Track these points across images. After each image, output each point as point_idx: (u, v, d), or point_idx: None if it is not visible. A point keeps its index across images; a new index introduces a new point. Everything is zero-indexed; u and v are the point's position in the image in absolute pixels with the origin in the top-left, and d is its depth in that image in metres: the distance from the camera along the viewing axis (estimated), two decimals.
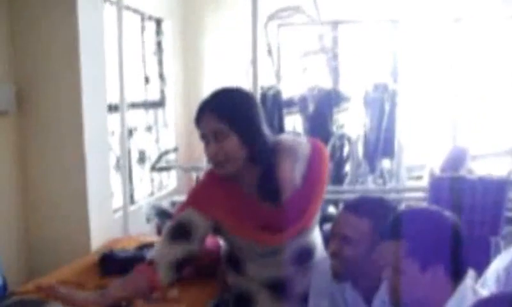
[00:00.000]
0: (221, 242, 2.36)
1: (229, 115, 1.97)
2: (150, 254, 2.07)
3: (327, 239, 2.09)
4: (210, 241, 2.38)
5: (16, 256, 2.83)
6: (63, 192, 2.87)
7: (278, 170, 2.02)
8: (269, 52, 5.27)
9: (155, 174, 5.11)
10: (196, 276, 2.33)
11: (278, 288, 2.19)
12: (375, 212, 1.95)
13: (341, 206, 2.13)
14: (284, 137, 2.21)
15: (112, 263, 2.48)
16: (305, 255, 2.19)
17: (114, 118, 3.54)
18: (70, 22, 2.80)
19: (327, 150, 2.23)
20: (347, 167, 4.93)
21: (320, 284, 2.10)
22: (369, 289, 1.93)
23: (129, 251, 2.59)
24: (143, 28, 5.01)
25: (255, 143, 2.01)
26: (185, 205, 2.11)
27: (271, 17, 5.21)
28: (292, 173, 2.04)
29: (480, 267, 2.18)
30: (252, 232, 2.09)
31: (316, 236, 2.27)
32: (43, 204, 2.89)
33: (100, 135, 3.04)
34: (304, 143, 2.15)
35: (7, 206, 2.79)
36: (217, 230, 2.16)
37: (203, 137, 2.03)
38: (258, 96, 3.16)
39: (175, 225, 2.07)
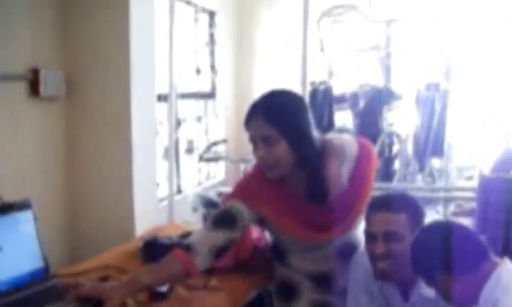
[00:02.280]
0: (268, 234, 2.33)
1: (279, 121, 1.93)
2: (187, 240, 1.98)
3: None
4: (258, 237, 2.35)
5: (63, 240, 2.80)
6: (108, 179, 2.82)
7: (325, 171, 1.99)
8: (322, 48, 5.17)
9: (204, 165, 5.06)
10: (238, 269, 2.25)
11: (321, 280, 2.15)
12: (407, 205, 1.94)
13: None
14: (332, 137, 2.14)
15: (155, 250, 2.41)
16: (349, 251, 2.15)
17: (164, 107, 3.48)
18: (121, 10, 2.75)
19: (375, 150, 2.14)
20: (397, 165, 4.80)
21: (359, 279, 2.06)
22: (406, 284, 1.94)
23: (173, 238, 2.52)
24: (196, 20, 4.96)
25: (304, 149, 1.96)
26: (231, 196, 2.09)
27: (324, 14, 5.11)
28: (338, 174, 2.01)
29: None
30: (296, 229, 2.06)
31: (361, 233, 2.18)
32: (90, 190, 2.85)
33: (148, 124, 2.98)
34: (352, 143, 2.09)
35: (54, 191, 2.77)
36: (261, 222, 2.13)
37: (252, 139, 1.98)
38: (307, 92, 3.05)
39: (219, 213, 2.05)
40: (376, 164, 2.16)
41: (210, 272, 2.10)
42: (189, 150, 4.81)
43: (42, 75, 2.60)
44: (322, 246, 2.10)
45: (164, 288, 1.98)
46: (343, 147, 2.05)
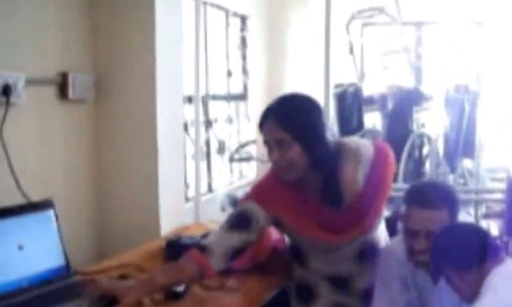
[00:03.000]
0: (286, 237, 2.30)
1: (292, 125, 1.91)
2: (203, 241, 1.97)
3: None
4: (275, 238, 2.33)
5: (89, 238, 2.83)
6: (134, 178, 2.85)
7: (340, 174, 1.98)
8: (351, 50, 5.12)
9: (236, 165, 5.06)
10: (255, 270, 2.24)
11: (339, 282, 2.13)
12: (448, 200, 1.94)
13: (406, 207, 1.99)
14: (347, 140, 2.13)
15: (177, 249, 2.41)
16: (367, 253, 2.11)
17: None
18: (148, 15, 2.78)
19: (392, 152, 2.11)
20: (427, 166, 4.71)
21: (391, 269, 2.04)
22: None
23: (195, 237, 2.52)
24: (227, 24, 4.97)
25: (318, 151, 1.94)
26: (247, 198, 2.08)
27: (353, 16, 5.05)
28: (354, 178, 1.99)
29: None
30: (312, 231, 2.04)
31: (380, 235, 2.19)
32: (116, 190, 2.88)
33: (174, 125, 3.01)
34: (367, 146, 2.06)
35: (82, 191, 2.80)
36: (277, 224, 2.12)
37: (266, 142, 1.98)
38: (330, 95, 3.02)
39: (235, 215, 2.04)
40: (393, 166, 2.12)
41: (227, 272, 2.09)
42: (220, 150, 4.81)
43: (71, 78, 2.63)
44: (339, 248, 2.08)
45: (180, 288, 1.98)
46: (358, 150, 2.03)
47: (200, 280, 1.97)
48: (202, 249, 1.93)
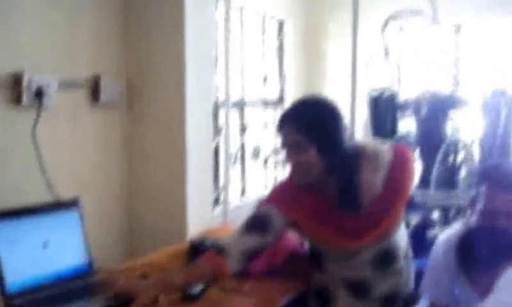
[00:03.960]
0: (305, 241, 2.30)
1: (308, 128, 1.92)
2: (221, 242, 1.98)
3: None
4: (294, 242, 2.33)
5: (117, 238, 2.88)
6: (163, 182, 2.89)
7: (358, 179, 1.97)
8: (386, 54, 5.04)
9: (270, 170, 5.06)
10: (273, 273, 2.23)
11: (357, 288, 2.10)
12: None
13: (484, 188, 2.01)
14: (366, 144, 2.12)
15: (200, 251, 2.43)
16: (386, 259, 2.08)
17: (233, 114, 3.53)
18: (179, 21, 2.82)
19: (412, 157, 2.07)
20: (463, 173, 4.60)
21: (442, 261, 2.03)
22: None
23: (220, 240, 2.53)
24: (264, 29, 4.97)
25: (334, 155, 1.93)
26: (265, 202, 2.07)
27: (389, 19, 4.97)
28: (372, 182, 1.98)
29: None
30: (330, 235, 2.02)
31: (399, 240, 2.13)
32: (144, 192, 2.92)
33: (204, 130, 3.04)
34: (386, 150, 2.04)
35: (112, 192, 2.86)
36: (295, 228, 2.12)
37: (283, 146, 1.98)
38: (356, 98, 3.00)
39: (253, 217, 2.04)
40: (413, 170, 2.10)
41: (245, 275, 2.09)
42: (255, 155, 4.82)
43: (103, 82, 2.69)
44: (358, 253, 2.05)
45: (197, 289, 1.99)
46: (377, 154, 2.01)
47: (216, 280, 1.99)
48: (219, 250, 1.94)
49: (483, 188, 2.02)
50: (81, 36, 2.63)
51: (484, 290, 1.68)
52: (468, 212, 2.16)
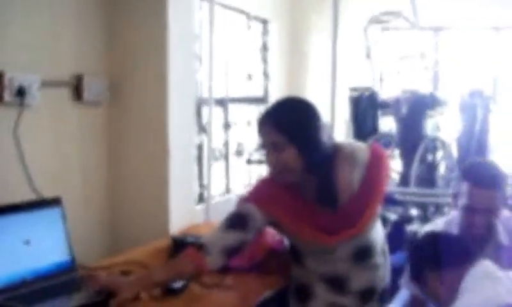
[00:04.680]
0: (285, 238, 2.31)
1: (287, 128, 1.93)
2: (201, 239, 2.00)
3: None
4: (274, 239, 2.35)
5: (100, 236, 2.88)
6: (145, 179, 2.89)
7: (336, 177, 1.99)
8: (368, 54, 5.09)
9: (254, 167, 5.07)
10: (253, 269, 2.26)
11: (335, 282, 2.12)
12: (503, 181, 2.12)
13: (465, 184, 2.13)
14: (344, 143, 2.14)
15: (182, 247, 2.43)
16: (363, 254, 2.11)
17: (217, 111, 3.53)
18: (161, 19, 2.81)
19: (388, 156, 2.10)
20: (440, 170, 4.66)
21: None
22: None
23: (201, 236, 2.54)
24: (248, 28, 4.98)
25: (313, 154, 1.95)
26: (245, 200, 2.08)
27: (371, 21, 5.02)
28: (349, 180, 2.00)
29: None
30: (308, 232, 2.04)
31: (375, 236, 2.16)
32: (127, 189, 2.92)
33: (187, 127, 3.04)
34: (363, 149, 2.07)
35: (94, 189, 2.85)
36: (275, 226, 2.13)
37: (263, 145, 2.00)
38: (336, 98, 3.03)
39: (232, 215, 2.05)
40: (389, 168, 2.13)
41: (225, 271, 2.11)
42: (239, 152, 4.83)
43: (85, 81, 2.68)
44: (336, 249, 2.07)
45: (178, 285, 2.01)
46: (354, 153, 2.04)
47: (196, 277, 2.00)
48: (200, 246, 1.95)
49: (465, 185, 2.08)
50: (64, 34, 2.62)
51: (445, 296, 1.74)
52: (447, 208, 2.24)
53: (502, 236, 2.14)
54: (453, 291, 1.69)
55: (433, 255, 1.77)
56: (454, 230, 2.17)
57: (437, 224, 2.34)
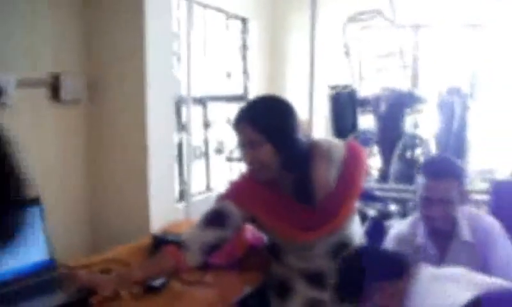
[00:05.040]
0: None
1: (263, 125, 1.95)
2: (181, 237, 2.01)
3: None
4: (254, 236, 2.36)
5: (80, 235, 2.87)
6: (125, 178, 2.89)
7: (312, 174, 2.01)
8: (347, 52, 5.12)
9: (235, 165, 5.08)
10: (233, 266, 2.27)
11: (314, 278, 2.15)
12: (458, 172, 2.19)
13: (422, 178, 2.21)
14: (320, 140, 2.16)
15: (162, 246, 2.44)
16: (341, 250, 2.10)
17: (197, 109, 3.52)
18: (138, 18, 2.82)
19: (364, 153, 2.14)
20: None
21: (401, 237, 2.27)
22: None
23: (181, 234, 2.55)
24: (227, 27, 5.00)
25: (289, 151, 1.97)
26: (224, 197, 2.10)
27: (350, 19, 5.05)
28: (326, 176, 2.02)
29: None
30: (286, 229, 2.06)
31: (353, 232, 2.19)
32: (107, 189, 2.92)
33: (166, 126, 3.04)
34: (339, 146, 2.09)
35: (73, 188, 2.84)
36: (254, 222, 2.16)
37: (240, 143, 2.02)
38: (314, 95, 3.05)
39: (210, 212, 2.07)
40: (365, 165, 2.15)
41: (205, 268, 2.12)
42: (219, 150, 4.84)
43: (63, 80, 2.68)
44: (314, 245, 2.09)
45: (158, 282, 2.02)
46: (330, 150, 2.06)
47: (176, 274, 2.01)
48: (179, 244, 1.96)
49: (421, 179, 2.15)
50: (41, 33, 2.61)
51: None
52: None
53: (466, 234, 2.19)
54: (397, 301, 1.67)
55: (368, 268, 1.74)
56: (420, 228, 2.25)
57: (401, 224, 2.39)
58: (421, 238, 2.26)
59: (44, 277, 2.03)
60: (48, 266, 2.09)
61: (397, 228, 2.43)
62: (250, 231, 2.32)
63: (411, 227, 2.32)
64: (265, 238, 2.32)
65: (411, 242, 2.27)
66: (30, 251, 2.05)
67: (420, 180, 2.20)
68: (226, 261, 2.27)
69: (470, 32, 5.60)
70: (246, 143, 1.98)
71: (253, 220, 2.12)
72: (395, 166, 4.19)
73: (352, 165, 2.06)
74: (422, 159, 4.59)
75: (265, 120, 1.96)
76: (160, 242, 2.48)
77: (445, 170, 2.17)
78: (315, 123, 3.39)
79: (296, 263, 2.14)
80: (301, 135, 2.00)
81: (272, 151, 1.95)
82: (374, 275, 1.71)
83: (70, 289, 1.88)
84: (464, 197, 2.21)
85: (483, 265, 2.20)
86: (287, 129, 1.97)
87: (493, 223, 2.26)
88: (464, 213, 2.23)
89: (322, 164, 2.03)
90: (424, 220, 2.23)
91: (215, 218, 2.03)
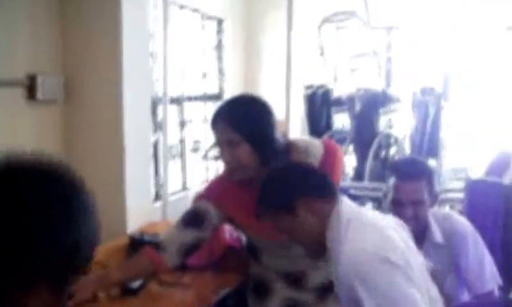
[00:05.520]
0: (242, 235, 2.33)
1: (241, 125, 1.94)
2: (158, 238, 2.00)
3: None
4: (232, 236, 2.36)
5: None
6: (101, 178, 2.85)
7: None
8: (322, 52, 5.15)
9: (211, 164, 5.07)
10: (212, 267, 2.27)
11: (293, 278, 2.15)
12: (426, 172, 2.22)
13: (392, 180, 2.26)
14: (297, 140, 2.17)
15: (139, 246, 2.42)
16: (319, 250, 2.10)
17: (173, 109, 3.50)
18: (114, 19, 2.81)
19: (341, 151, 2.15)
20: None
21: None
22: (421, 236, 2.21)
23: (158, 235, 2.53)
24: (203, 27, 4.98)
25: (267, 151, 1.96)
26: (201, 197, 2.10)
27: (325, 20, 5.08)
28: None
29: None
30: (264, 229, 2.03)
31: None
32: None
33: (142, 125, 3.02)
34: (317, 145, 2.09)
35: None
36: (231, 222, 2.16)
37: (218, 142, 2.01)
38: (290, 95, 3.06)
39: (188, 213, 2.06)
40: (342, 164, 2.17)
41: (183, 269, 2.12)
42: (195, 149, 4.83)
43: (39, 80, 2.64)
44: (292, 245, 2.05)
45: (136, 284, 2.01)
46: (308, 149, 2.06)
47: (154, 275, 2.00)
48: (157, 245, 1.96)
49: (392, 181, 2.17)
50: (16, 33, 2.58)
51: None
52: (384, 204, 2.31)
53: (438, 236, 2.23)
54: (323, 222, 1.68)
55: (306, 181, 1.74)
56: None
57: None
58: None
59: None
60: None
61: None
62: (228, 231, 2.32)
63: None
64: (243, 238, 2.33)
65: None
66: None
67: (391, 181, 2.22)
68: (205, 261, 2.26)
69: (443, 34, 5.68)
70: (224, 143, 1.97)
71: (231, 220, 2.12)
72: (370, 165, 4.23)
73: (329, 164, 2.06)
74: (396, 158, 4.64)
75: (244, 120, 1.95)
76: (137, 243, 2.47)
77: (414, 172, 2.19)
78: (291, 122, 3.41)
79: (274, 263, 2.14)
80: (278, 135, 2.00)
81: (250, 151, 1.94)
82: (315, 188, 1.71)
83: None
84: (435, 198, 2.24)
85: (455, 266, 2.24)
86: (265, 129, 1.97)
87: (464, 224, 2.30)
88: (436, 215, 2.26)
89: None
90: None
91: (193, 218, 2.02)
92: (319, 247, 1.73)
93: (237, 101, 2.07)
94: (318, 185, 1.74)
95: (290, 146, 2.05)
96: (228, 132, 1.94)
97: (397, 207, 2.19)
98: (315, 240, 1.71)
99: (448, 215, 2.35)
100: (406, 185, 2.16)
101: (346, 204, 1.71)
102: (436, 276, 1.80)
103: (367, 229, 1.62)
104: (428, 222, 2.22)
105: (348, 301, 1.60)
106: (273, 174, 1.82)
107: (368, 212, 1.82)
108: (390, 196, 2.23)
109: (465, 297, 2.33)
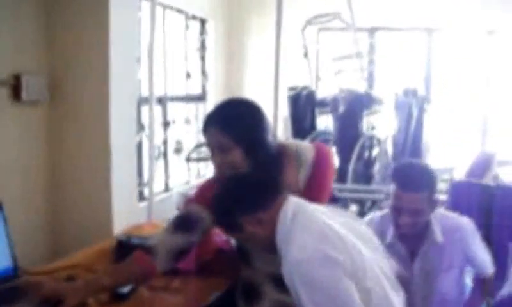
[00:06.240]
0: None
1: (233, 129, 1.90)
2: (149, 242, 1.96)
3: None
4: (221, 239, 2.32)
5: (42, 239, 2.80)
6: (87, 179, 2.84)
7: (281, 177, 1.97)
8: (305, 54, 5.15)
9: (193, 165, 5.04)
10: (202, 271, 2.24)
11: (282, 282, 2.05)
12: (429, 182, 2.14)
13: (393, 186, 2.22)
14: (289, 143, 2.14)
15: (127, 249, 2.38)
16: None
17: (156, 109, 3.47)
18: (101, 19, 2.79)
19: (332, 154, 2.13)
20: (376, 167, 4.76)
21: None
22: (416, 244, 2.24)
23: (146, 237, 2.49)
24: (187, 27, 4.95)
25: (259, 155, 1.93)
26: (191, 200, 2.07)
27: (309, 22, 5.08)
28: (295, 179, 1.99)
29: (500, 271, 2.45)
30: None
31: None
32: (69, 190, 2.85)
33: (128, 126, 2.99)
34: (308, 148, 2.06)
35: (35, 191, 2.77)
36: None
37: (209, 147, 1.96)
38: (279, 97, 3.05)
39: (179, 216, 2.02)
40: (333, 167, 2.15)
41: (173, 273, 2.08)
42: (178, 150, 4.80)
43: (24, 80, 2.60)
44: None
45: (125, 289, 1.96)
46: (299, 152, 2.03)
47: (145, 281, 1.96)
48: (147, 249, 1.92)
49: (393, 187, 2.15)
50: (2, 34, 2.53)
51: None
52: (385, 203, 2.29)
53: (437, 235, 2.22)
54: (274, 228, 1.70)
55: (245, 200, 1.74)
56: (389, 225, 2.26)
57: (373, 219, 2.41)
58: (390, 238, 2.27)
59: (6, 286, 1.94)
60: (11, 273, 2.01)
61: (369, 218, 2.44)
62: (218, 234, 2.29)
63: (381, 224, 2.32)
64: (233, 241, 2.30)
65: (381, 237, 2.28)
66: None
67: (392, 187, 2.19)
68: (195, 265, 2.23)
69: (425, 36, 5.72)
70: (216, 147, 1.93)
71: None
72: (353, 167, 4.23)
73: (322, 168, 2.04)
74: (378, 160, 4.66)
75: (236, 124, 1.92)
76: (124, 246, 2.42)
77: (416, 182, 2.13)
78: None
79: (264, 266, 2.11)
80: (270, 139, 1.98)
81: (242, 155, 1.91)
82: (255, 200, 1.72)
83: (34, 299, 1.81)
84: (434, 204, 2.21)
85: (464, 258, 2.26)
86: (257, 133, 1.94)
87: (464, 220, 2.30)
88: (436, 215, 2.25)
89: (291, 166, 2.00)
90: (393, 225, 2.23)
91: (183, 222, 1.98)
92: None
93: (229, 105, 2.03)
94: (258, 199, 1.74)
95: (281, 150, 2.02)
96: (220, 136, 1.91)
97: (395, 213, 2.18)
98: (273, 241, 1.73)
99: (448, 214, 2.35)
100: (407, 195, 2.13)
101: (291, 201, 1.73)
102: (403, 281, 1.79)
103: (312, 226, 1.64)
104: (429, 223, 2.21)
105: (297, 300, 1.63)
106: (217, 196, 1.82)
107: (319, 208, 1.79)
108: (390, 202, 2.21)
109: (465, 296, 2.36)
